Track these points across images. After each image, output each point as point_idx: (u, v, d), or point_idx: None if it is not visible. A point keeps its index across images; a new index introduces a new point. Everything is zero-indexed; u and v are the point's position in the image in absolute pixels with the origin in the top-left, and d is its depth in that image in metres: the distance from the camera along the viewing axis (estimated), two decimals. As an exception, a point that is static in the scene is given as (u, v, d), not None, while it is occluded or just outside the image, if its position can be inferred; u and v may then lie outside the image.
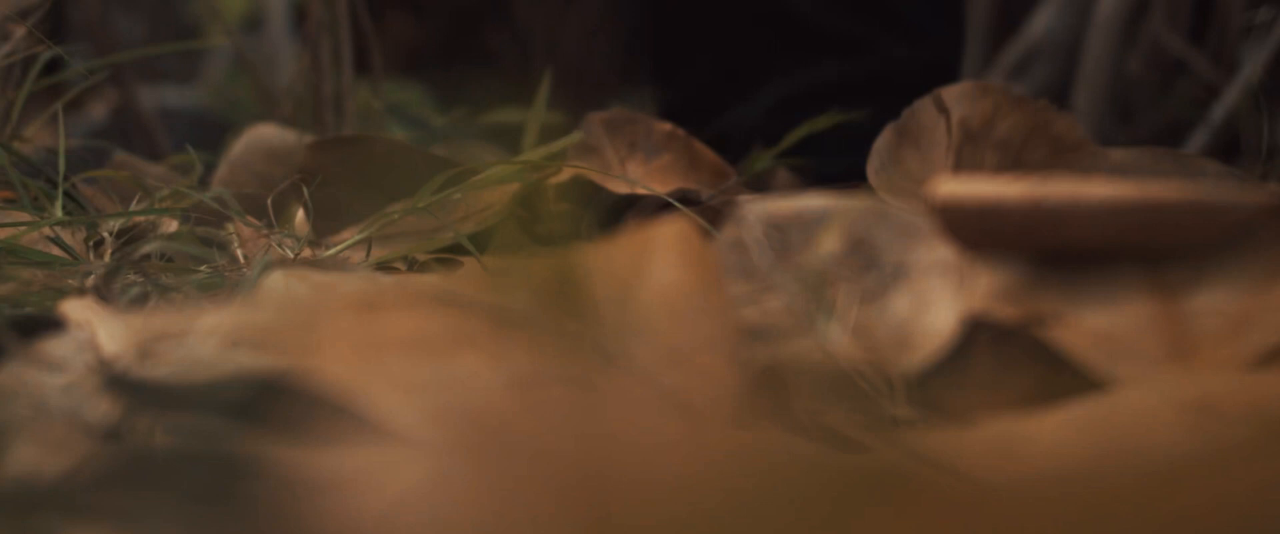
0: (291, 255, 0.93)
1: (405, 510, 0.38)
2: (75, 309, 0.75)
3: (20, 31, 1.18)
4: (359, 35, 1.47)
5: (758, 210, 0.73)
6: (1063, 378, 0.63)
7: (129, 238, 0.98)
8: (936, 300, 0.67)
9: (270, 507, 0.41)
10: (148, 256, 0.92)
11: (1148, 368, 0.61)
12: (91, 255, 0.94)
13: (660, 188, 0.95)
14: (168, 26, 1.65)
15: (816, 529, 0.39)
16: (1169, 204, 0.62)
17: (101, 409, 0.62)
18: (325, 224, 1.02)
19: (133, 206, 1.04)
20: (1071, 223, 0.62)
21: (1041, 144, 0.85)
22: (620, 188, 0.97)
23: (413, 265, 0.95)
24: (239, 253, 0.95)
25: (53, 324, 0.74)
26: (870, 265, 0.70)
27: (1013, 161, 0.81)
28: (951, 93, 0.97)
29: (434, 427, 0.42)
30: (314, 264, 0.83)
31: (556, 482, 0.38)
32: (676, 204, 0.88)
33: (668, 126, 1.03)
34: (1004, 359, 0.64)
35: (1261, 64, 1.17)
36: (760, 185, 1.11)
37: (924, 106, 0.98)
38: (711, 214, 0.88)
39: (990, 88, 1.02)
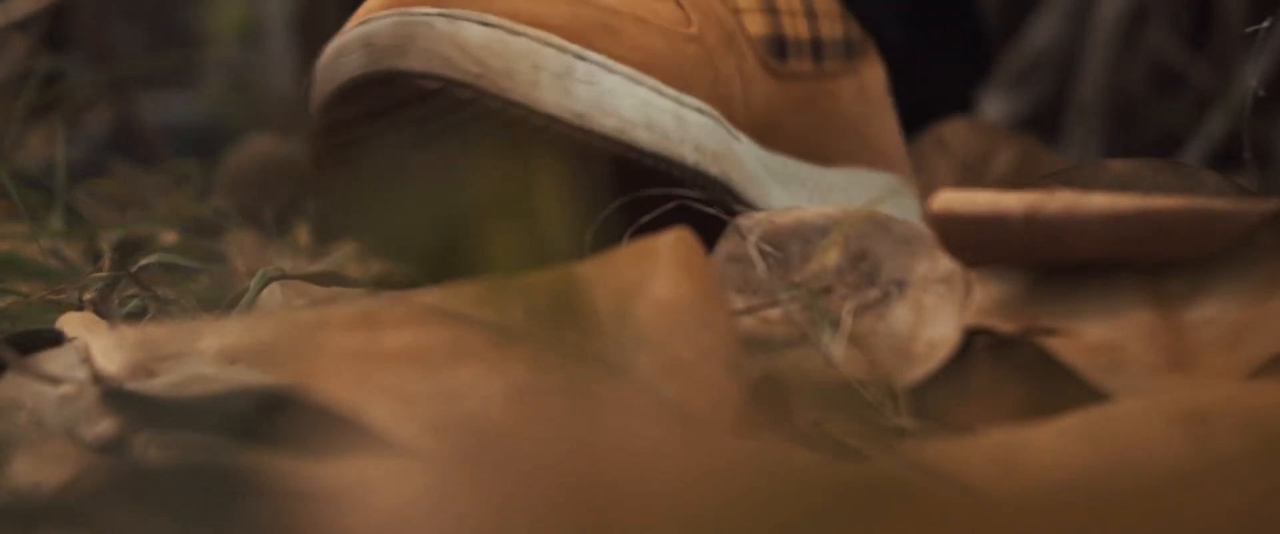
0: (289, 268, 0.93)
1: (406, 522, 0.38)
2: (72, 323, 0.74)
3: (20, 42, 1.18)
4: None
5: (757, 223, 0.73)
6: (1062, 388, 0.62)
7: (128, 250, 0.98)
8: (938, 313, 0.66)
9: (270, 521, 0.41)
10: (146, 268, 0.92)
11: (1146, 378, 0.61)
12: (90, 268, 0.94)
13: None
14: (167, 34, 1.65)
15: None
16: (1168, 214, 0.62)
17: (99, 424, 0.62)
18: (326, 234, 1.02)
19: (131, 218, 1.04)
20: (1070, 234, 0.62)
21: (1035, 177, 0.86)
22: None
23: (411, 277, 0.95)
24: (239, 265, 0.95)
25: (51, 339, 0.74)
26: (871, 278, 0.69)
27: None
28: (947, 129, 1.03)
29: (434, 438, 0.42)
30: (313, 277, 0.83)
31: (556, 491, 0.38)
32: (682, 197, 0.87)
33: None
34: (1004, 370, 0.64)
35: (1260, 73, 1.16)
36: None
37: (923, 143, 1.03)
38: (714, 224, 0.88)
39: (983, 125, 1.06)
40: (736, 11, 0.88)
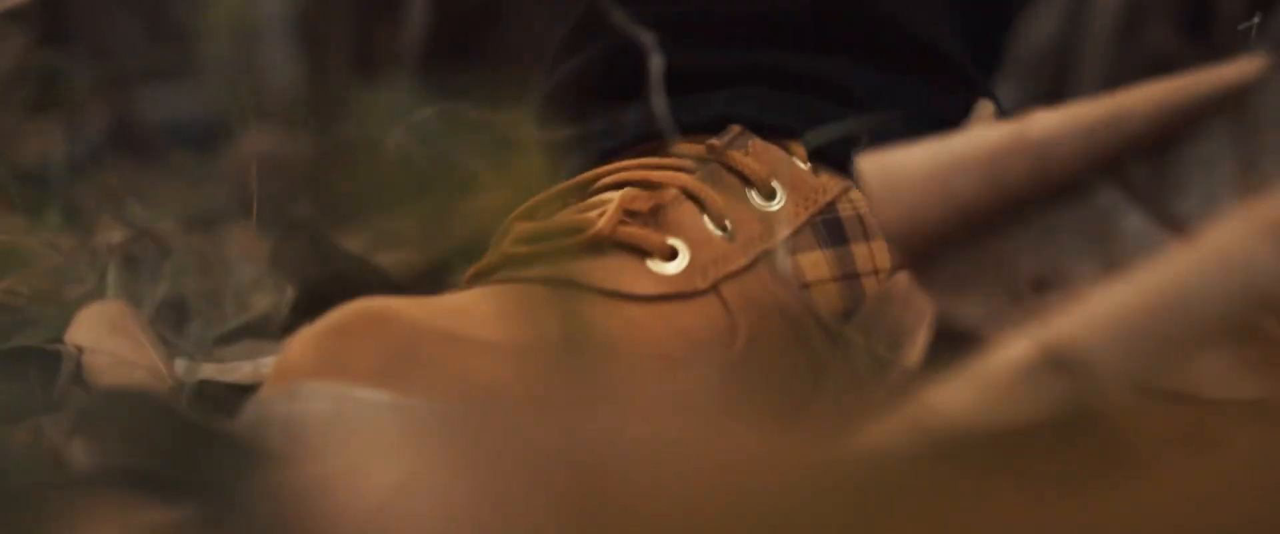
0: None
1: (401, 501, 0.38)
2: (93, 313, 0.75)
3: (18, 37, 1.18)
4: (359, 36, 1.47)
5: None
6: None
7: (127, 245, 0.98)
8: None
9: (261, 507, 0.41)
10: (142, 262, 0.92)
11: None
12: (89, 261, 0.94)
13: None
14: (165, 29, 1.65)
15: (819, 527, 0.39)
16: (1135, 109, 0.57)
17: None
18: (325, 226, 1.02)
19: (129, 213, 1.04)
20: (1053, 162, 0.56)
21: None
22: None
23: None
24: (234, 258, 0.96)
25: (44, 353, 0.74)
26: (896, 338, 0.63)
27: None
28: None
29: (429, 420, 0.42)
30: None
31: (555, 471, 0.38)
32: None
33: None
34: None
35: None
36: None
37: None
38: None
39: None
40: (805, 286, 0.75)
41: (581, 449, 0.37)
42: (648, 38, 0.75)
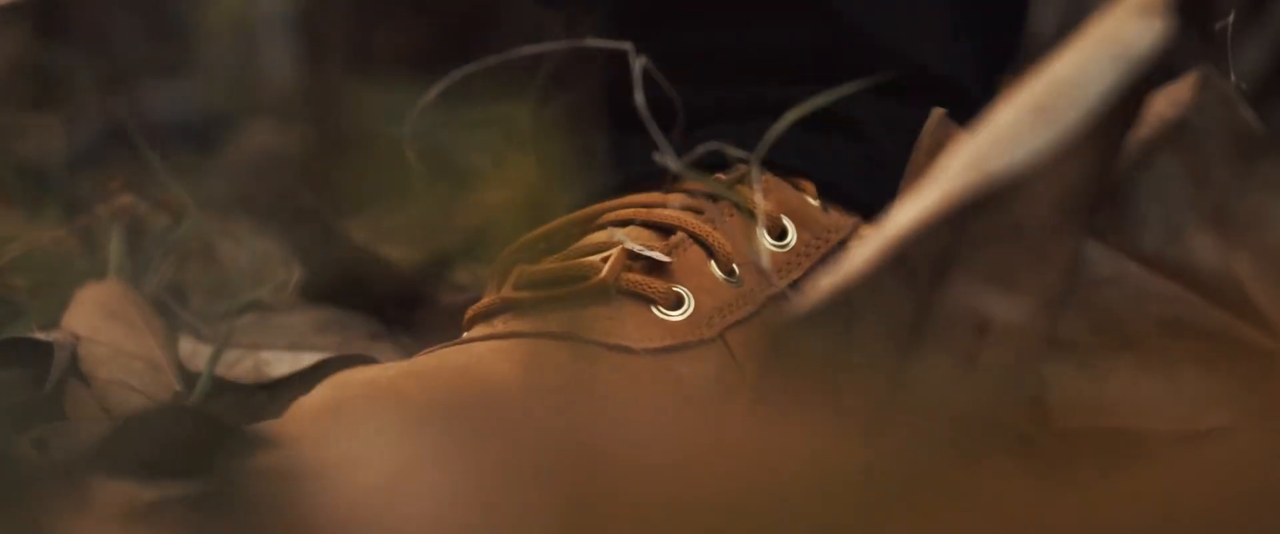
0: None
1: (392, 493, 0.38)
2: (92, 292, 0.74)
3: (17, 32, 1.18)
4: (357, 34, 1.47)
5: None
6: None
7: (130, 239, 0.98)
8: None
9: (258, 496, 0.41)
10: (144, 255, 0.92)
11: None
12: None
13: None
14: (165, 24, 1.65)
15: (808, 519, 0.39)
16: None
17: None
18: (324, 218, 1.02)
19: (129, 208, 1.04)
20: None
21: None
22: None
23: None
24: (237, 252, 0.95)
25: (35, 343, 0.74)
26: None
27: None
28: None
29: (426, 412, 0.42)
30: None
31: (551, 454, 0.38)
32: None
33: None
34: None
35: (1259, 61, 1.16)
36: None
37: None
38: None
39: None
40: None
41: (577, 441, 0.37)
42: (626, 45, 0.73)
